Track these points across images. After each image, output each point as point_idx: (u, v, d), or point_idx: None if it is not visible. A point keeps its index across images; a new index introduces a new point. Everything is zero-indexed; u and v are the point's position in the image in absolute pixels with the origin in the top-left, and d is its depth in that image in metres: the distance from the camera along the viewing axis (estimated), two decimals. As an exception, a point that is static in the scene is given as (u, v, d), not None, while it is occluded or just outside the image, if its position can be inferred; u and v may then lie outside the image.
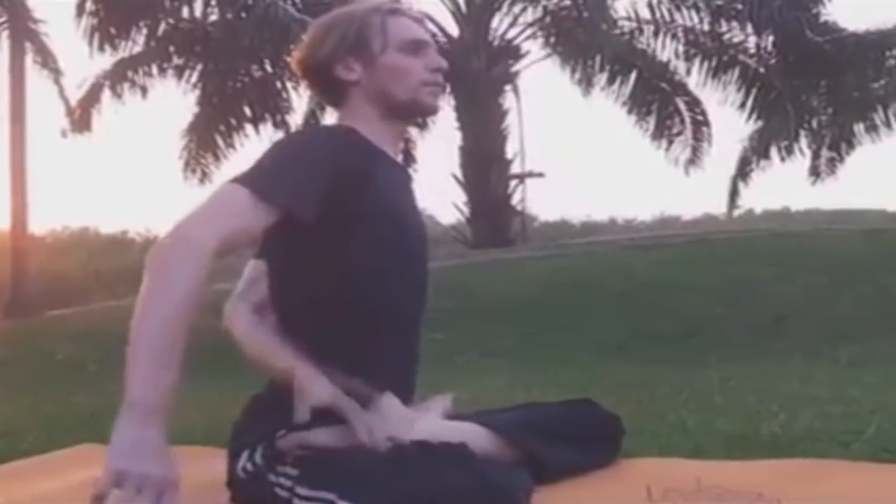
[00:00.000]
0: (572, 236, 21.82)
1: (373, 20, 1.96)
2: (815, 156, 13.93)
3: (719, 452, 2.39)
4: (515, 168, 14.51)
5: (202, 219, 1.65)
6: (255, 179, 1.72)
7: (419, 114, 2.07)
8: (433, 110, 2.04)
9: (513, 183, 14.37)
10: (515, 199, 14.44)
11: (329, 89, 2.02)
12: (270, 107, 12.65)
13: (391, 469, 1.71)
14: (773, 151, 14.05)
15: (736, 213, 16.57)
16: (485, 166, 13.50)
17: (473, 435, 1.89)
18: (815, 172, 13.98)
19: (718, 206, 16.83)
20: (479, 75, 13.31)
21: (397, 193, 1.94)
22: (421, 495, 1.66)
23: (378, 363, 1.89)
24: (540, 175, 15.63)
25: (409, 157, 15.11)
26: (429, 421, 1.91)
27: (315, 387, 1.79)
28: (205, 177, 13.15)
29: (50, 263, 17.73)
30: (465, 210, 13.97)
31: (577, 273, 8.93)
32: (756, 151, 14.35)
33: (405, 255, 1.93)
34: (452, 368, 5.56)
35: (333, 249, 1.83)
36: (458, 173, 13.86)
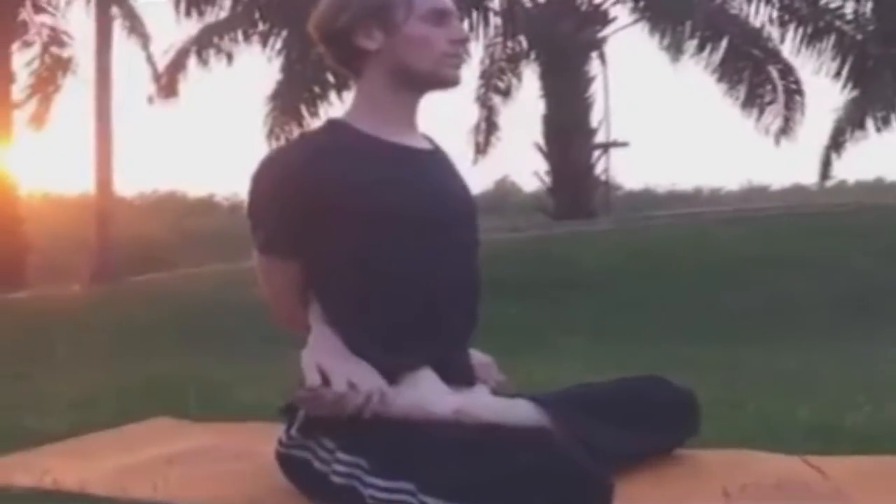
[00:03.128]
0: (657, 206, 21.50)
1: None
2: (913, 126, 13.44)
3: (800, 444, 2.28)
4: (600, 137, 14.31)
5: (268, 301, 2.03)
6: (255, 238, 1.94)
7: (438, 86, 1.99)
8: (454, 82, 1.98)
9: (596, 153, 14.18)
10: (599, 169, 14.26)
11: (346, 58, 1.97)
12: (354, 74, 12.64)
13: (468, 455, 1.64)
14: (869, 121, 13.61)
15: (828, 184, 16.12)
16: (568, 136, 13.31)
17: (523, 412, 1.83)
18: (912, 143, 13.51)
19: (809, 176, 16.35)
20: (565, 41, 13.10)
21: (381, 178, 1.89)
22: (503, 481, 1.58)
23: (395, 343, 1.87)
24: (624, 144, 15.40)
25: (491, 125, 15.03)
26: (475, 397, 1.87)
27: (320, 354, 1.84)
28: (288, 143, 13.20)
29: (138, 226, 18.11)
30: (548, 180, 13.84)
31: (659, 246, 8.76)
32: (851, 121, 13.91)
33: (394, 237, 1.87)
34: (528, 342, 5.51)
35: (327, 243, 1.89)
36: (542, 142, 13.72)
